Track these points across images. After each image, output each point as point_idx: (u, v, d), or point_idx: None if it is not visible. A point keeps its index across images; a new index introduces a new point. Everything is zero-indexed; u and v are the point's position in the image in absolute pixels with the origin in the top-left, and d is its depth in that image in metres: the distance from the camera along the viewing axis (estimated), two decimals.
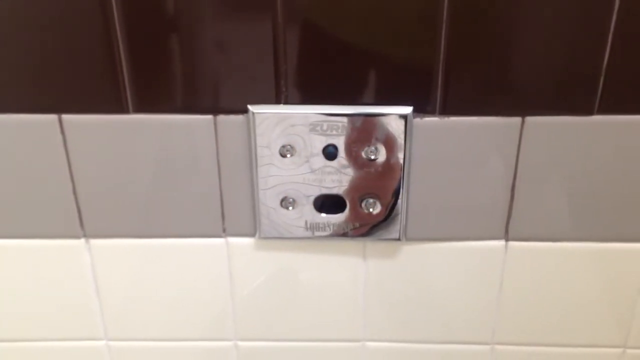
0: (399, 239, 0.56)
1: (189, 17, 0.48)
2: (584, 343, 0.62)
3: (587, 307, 0.60)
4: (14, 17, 0.48)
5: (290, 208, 0.55)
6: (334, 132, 0.51)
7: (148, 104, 0.51)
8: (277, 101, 0.51)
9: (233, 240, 0.57)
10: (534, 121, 0.51)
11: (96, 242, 0.58)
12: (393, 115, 0.50)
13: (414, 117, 0.51)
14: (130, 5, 0.47)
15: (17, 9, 0.47)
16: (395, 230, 0.55)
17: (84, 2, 0.47)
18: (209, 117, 0.51)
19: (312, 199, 0.54)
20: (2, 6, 0.47)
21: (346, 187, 0.53)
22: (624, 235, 0.56)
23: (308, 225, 0.55)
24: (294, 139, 0.51)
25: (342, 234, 0.56)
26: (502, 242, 0.56)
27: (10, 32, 0.48)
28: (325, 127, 0.51)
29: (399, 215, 0.55)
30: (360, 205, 0.54)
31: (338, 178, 0.53)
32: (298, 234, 0.56)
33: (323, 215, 0.55)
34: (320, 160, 0.52)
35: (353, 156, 0.52)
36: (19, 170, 0.54)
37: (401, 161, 0.52)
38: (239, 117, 0.51)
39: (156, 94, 0.51)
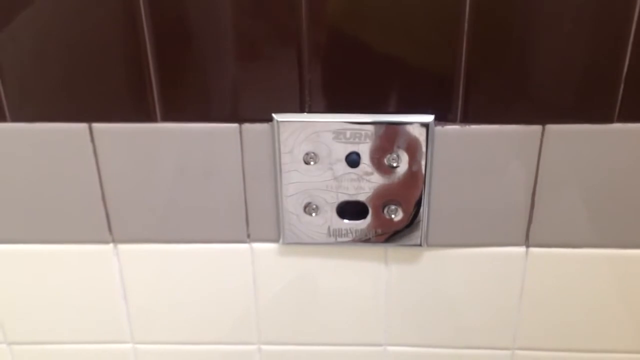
0: (420, 245, 0.57)
1: (215, 29, 0.49)
2: (604, 348, 0.62)
3: (608, 313, 0.60)
4: (46, 29, 0.49)
5: (314, 214, 0.56)
6: (357, 140, 0.52)
7: (175, 113, 0.52)
8: (301, 110, 0.52)
9: (257, 245, 0.58)
10: (554, 129, 0.51)
11: (124, 247, 0.59)
12: (415, 124, 0.51)
13: (435, 126, 0.51)
14: (159, 18, 0.49)
15: (49, 21, 0.49)
16: (416, 236, 0.56)
17: (114, 15, 0.49)
18: (235, 125, 0.53)
19: (334, 205, 0.55)
20: (35, 18, 0.49)
21: (368, 194, 0.54)
22: None
23: (331, 231, 0.56)
24: (318, 146, 0.52)
25: (364, 240, 0.57)
26: (522, 249, 0.57)
27: (43, 43, 0.50)
28: (348, 135, 0.52)
29: (421, 222, 0.55)
30: (383, 212, 0.55)
31: (360, 185, 0.54)
32: (321, 240, 0.57)
33: (345, 221, 0.56)
34: (343, 167, 0.53)
35: (375, 163, 0.53)
36: (50, 178, 0.55)
37: (423, 168, 0.53)
38: (264, 126, 0.52)
39: (183, 103, 0.52)
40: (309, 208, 0.55)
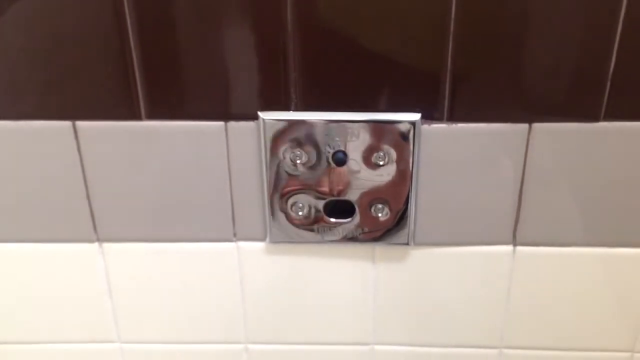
0: (407, 244, 0.56)
1: (200, 26, 0.48)
2: (592, 347, 0.62)
3: (595, 312, 0.60)
4: (30, 27, 0.49)
5: (300, 213, 0.55)
6: (344, 138, 0.52)
7: (160, 110, 0.52)
8: (287, 108, 0.51)
9: (243, 244, 0.58)
10: (541, 127, 0.51)
11: (109, 246, 0.58)
12: (401, 122, 0.51)
13: (422, 124, 0.51)
14: (143, 14, 0.48)
15: (33, 19, 0.48)
16: (404, 235, 0.56)
17: (98, 12, 0.48)
18: (220, 123, 0.52)
19: (321, 203, 0.55)
20: (19, 16, 0.48)
21: (355, 192, 0.54)
22: (632, 241, 0.56)
23: (317, 230, 0.56)
24: (304, 144, 0.52)
25: (351, 238, 0.56)
26: (509, 247, 0.57)
27: (27, 41, 0.49)
28: (334, 134, 0.51)
29: (408, 220, 0.55)
30: (370, 211, 0.55)
31: (347, 183, 0.53)
32: (308, 239, 0.56)
33: (333, 220, 0.55)
34: (330, 165, 0.53)
35: (362, 162, 0.52)
36: (34, 176, 0.55)
37: (410, 167, 0.53)
38: (250, 124, 0.52)
39: (168, 101, 0.51)
40: (295, 206, 0.55)
